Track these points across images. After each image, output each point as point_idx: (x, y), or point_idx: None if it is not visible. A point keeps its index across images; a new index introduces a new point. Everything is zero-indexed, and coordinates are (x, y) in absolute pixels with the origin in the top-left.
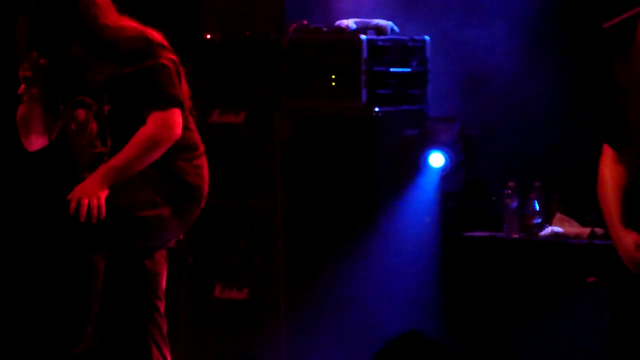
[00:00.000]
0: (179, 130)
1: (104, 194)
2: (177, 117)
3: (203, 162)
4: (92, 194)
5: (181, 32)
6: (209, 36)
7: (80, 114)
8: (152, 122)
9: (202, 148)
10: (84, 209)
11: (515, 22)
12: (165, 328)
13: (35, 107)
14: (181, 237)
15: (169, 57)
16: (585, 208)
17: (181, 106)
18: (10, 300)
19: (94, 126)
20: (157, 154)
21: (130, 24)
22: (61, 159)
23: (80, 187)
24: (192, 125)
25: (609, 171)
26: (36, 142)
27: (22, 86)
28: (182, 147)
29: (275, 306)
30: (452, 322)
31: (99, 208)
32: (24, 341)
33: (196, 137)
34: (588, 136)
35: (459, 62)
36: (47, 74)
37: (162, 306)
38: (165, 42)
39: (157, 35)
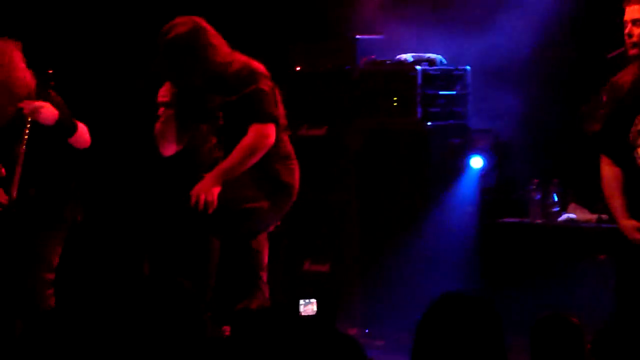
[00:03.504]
0: (272, 139)
1: (216, 191)
2: (271, 129)
3: (295, 166)
4: (208, 191)
5: (277, 66)
6: (298, 68)
7: (204, 128)
8: (252, 133)
9: (293, 155)
10: (202, 202)
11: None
12: (267, 292)
13: (171, 124)
14: (278, 223)
15: (267, 83)
16: (594, 199)
17: (275, 121)
18: (156, 274)
19: (213, 137)
20: (256, 158)
21: (237, 58)
22: (188, 162)
23: (198, 186)
24: (287, 139)
25: (608, 173)
26: (169, 149)
27: (162, 109)
28: (278, 155)
29: (351, 276)
30: (488, 288)
31: (212, 202)
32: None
33: (289, 147)
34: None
35: (494, 86)
36: (178, 99)
37: (265, 276)
38: (265, 71)
39: (258, 65)
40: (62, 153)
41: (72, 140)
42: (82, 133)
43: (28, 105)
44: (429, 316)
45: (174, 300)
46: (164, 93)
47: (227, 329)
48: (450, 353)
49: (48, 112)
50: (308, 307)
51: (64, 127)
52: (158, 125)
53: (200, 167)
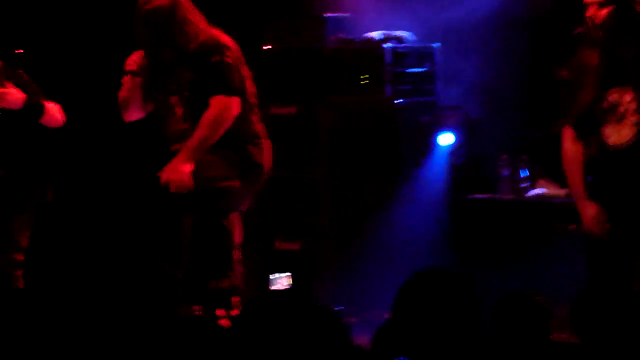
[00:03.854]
0: (235, 111)
1: (188, 169)
2: (234, 101)
3: (266, 145)
4: (179, 171)
5: (249, 45)
6: (269, 47)
7: (172, 99)
8: (214, 105)
9: (264, 134)
10: (172, 183)
11: (505, 23)
12: (241, 271)
13: (136, 92)
14: (250, 202)
15: (232, 56)
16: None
17: (239, 94)
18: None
19: (179, 109)
20: (221, 131)
21: (208, 32)
22: (156, 135)
23: (169, 166)
24: (257, 118)
25: (570, 148)
26: (132, 116)
27: (128, 77)
28: (248, 134)
29: (323, 254)
30: (459, 264)
31: (182, 182)
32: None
33: (260, 126)
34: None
35: (463, 63)
36: (147, 69)
37: (238, 254)
38: (231, 44)
39: (225, 38)
40: (31, 133)
41: (43, 121)
42: (53, 113)
43: None
44: (405, 291)
45: (155, 283)
46: (132, 61)
47: (197, 309)
48: (427, 327)
49: (13, 97)
50: (281, 280)
51: (32, 110)
52: (122, 93)
53: (167, 139)
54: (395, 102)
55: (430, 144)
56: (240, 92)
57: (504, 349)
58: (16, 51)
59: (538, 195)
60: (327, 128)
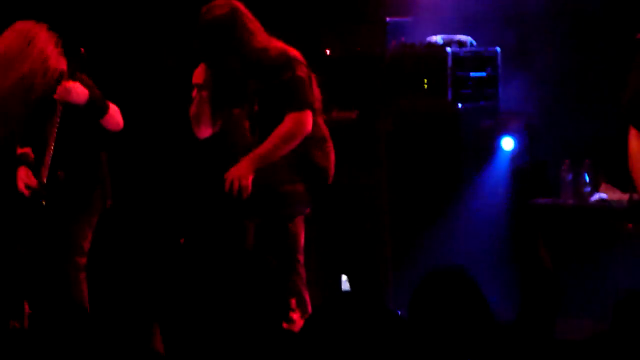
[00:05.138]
0: (309, 127)
1: (251, 176)
2: (308, 117)
3: (330, 149)
4: (242, 176)
5: (309, 50)
6: (328, 52)
7: (236, 112)
8: (289, 121)
9: (329, 138)
10: (236, 187)
11: (566, 28)
12: (304, 276)
13: (205, 106)
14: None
15: (304, 70)
16: (626, 179)
17: (312, 108)
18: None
19: (246, 122)
20: (292, 145)
21: (274, 45)
22: (221, 146)
23: (233, 170)
24: (322, 122)
25: (636, 146)
26: (204, 132)
27: (195, 90)
28: (314, 138)
29: (382, 259)
30: (519, 267)
31: (246, 187)
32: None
33: (325, 130)
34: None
35: (522, 66)
36: (213, 82)
37: (302, 258)
38: (301, 58)
39: (295, 52)
40: (92, 135)
41: (104, 121)
42: (114, 114)
43: (59, 88)
44: (415, 297)
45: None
46: (199, 74)
47: None
48: (441, 325)
49: (79, 91)
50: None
51: (95, 107)
52: (193, 108)
53: (233, 151)
54: (457, 106)
55: (492, 148)
56: (312, 106)
57: (627, 350)
58: (79, 50)
59: (600, 200)
60: (388, 133)
